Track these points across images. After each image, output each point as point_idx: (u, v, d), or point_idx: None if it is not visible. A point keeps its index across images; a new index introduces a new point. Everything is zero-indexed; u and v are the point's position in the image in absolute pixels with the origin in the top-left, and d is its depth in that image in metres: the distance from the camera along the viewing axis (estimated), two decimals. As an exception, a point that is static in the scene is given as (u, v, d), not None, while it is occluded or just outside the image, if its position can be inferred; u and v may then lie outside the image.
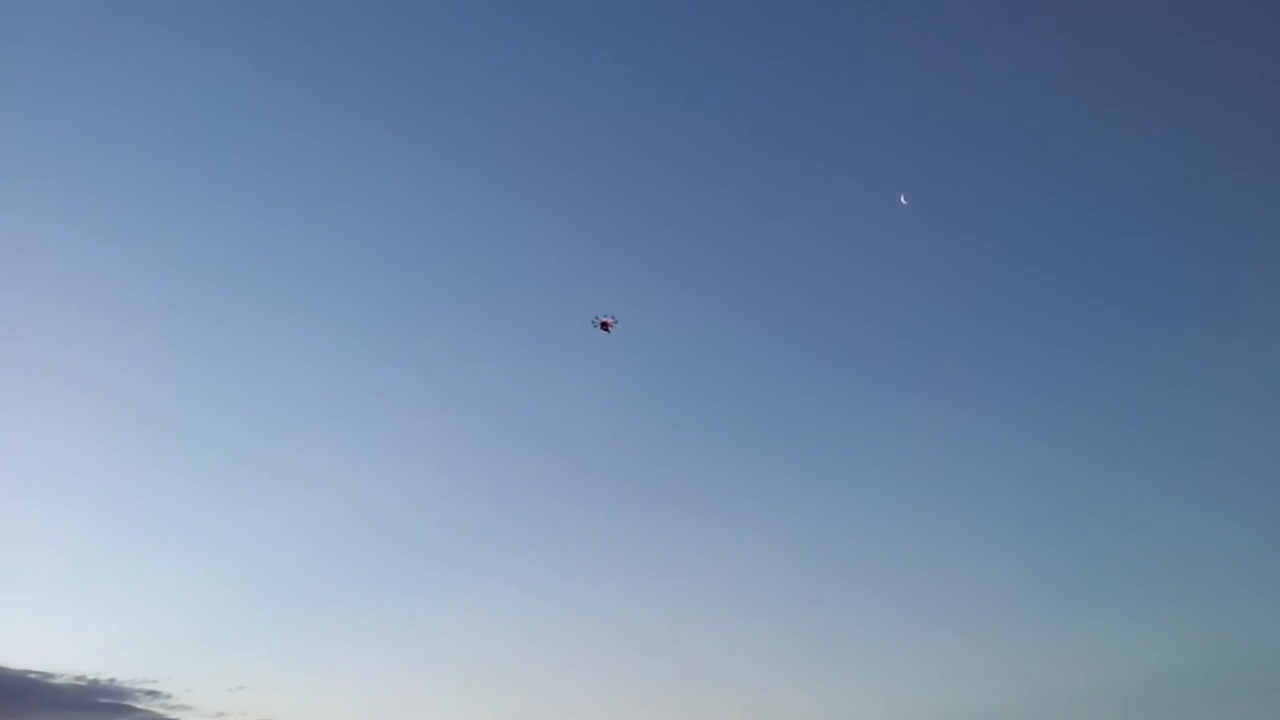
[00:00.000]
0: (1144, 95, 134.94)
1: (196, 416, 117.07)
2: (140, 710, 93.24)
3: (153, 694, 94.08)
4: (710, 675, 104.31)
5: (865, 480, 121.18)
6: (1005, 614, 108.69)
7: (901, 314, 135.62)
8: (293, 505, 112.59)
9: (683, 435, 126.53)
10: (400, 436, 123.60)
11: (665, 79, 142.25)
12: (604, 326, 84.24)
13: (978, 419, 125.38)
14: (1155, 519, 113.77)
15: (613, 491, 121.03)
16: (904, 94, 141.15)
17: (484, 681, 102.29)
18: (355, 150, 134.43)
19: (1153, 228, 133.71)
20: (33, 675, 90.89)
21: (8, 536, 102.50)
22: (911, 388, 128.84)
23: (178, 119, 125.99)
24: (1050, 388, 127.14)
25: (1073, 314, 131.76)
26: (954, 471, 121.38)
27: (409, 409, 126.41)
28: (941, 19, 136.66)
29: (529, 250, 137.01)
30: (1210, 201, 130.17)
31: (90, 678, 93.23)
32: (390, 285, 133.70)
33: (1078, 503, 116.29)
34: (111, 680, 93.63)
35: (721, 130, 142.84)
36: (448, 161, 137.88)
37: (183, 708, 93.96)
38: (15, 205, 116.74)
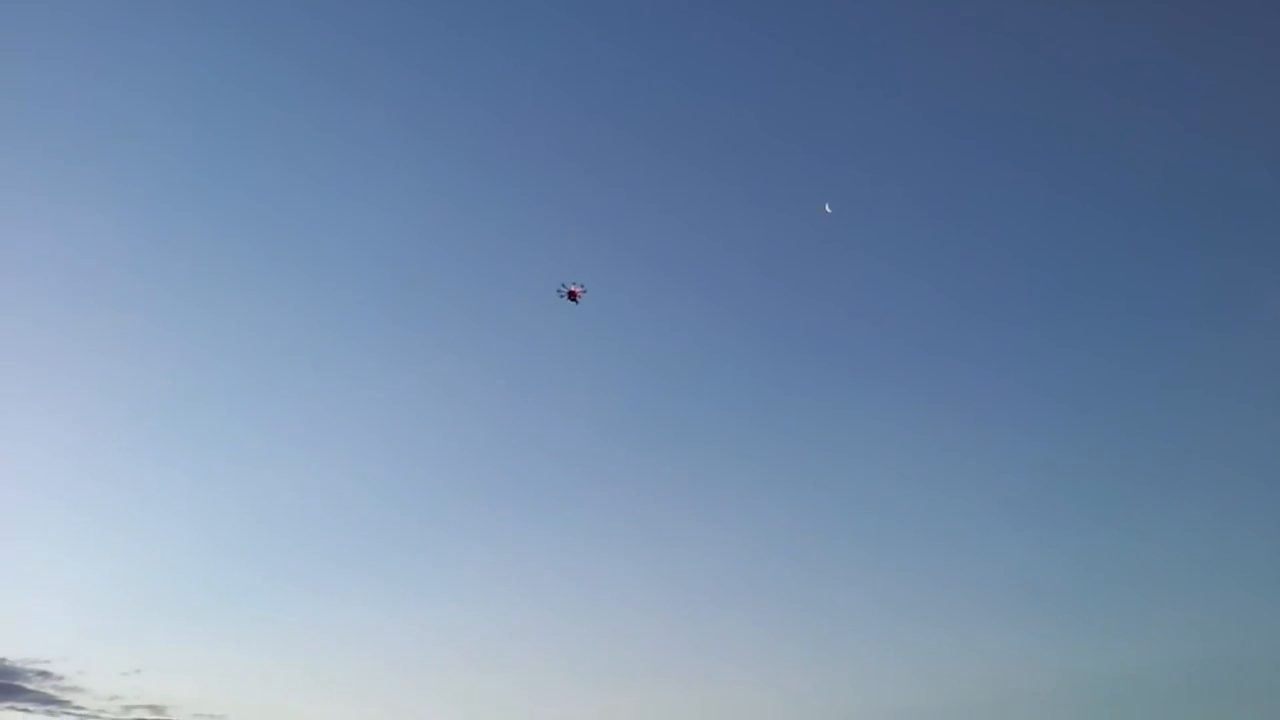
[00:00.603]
0: (1150, 85, 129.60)
1: (103, 395, 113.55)
2: (31, 691, 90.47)
3: (44, 675, 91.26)
4: (696, 670, 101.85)
5: (858, 477, 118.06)
6: (996, 610, 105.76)
7: (899, 309, 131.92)
8: (204, 489, 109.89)
9: (670, 429, 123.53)
10: (335, 424, 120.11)
11: (666, 69, 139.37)
12: (571, 296, 78.32)
13: (972, 415, 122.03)
14: (1149, 516, 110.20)
15: (596, 485, 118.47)
16: (905, 85, 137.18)
17: (386, 676, 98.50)
18: (351, 139, 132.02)
19: (1159, 220, 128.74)
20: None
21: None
22: (906, 382, 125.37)
23: (180, 105, 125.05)
24: (1048, 384, 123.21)
25: (1071, 309, 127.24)
26: (945, 467, 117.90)
27: (355, 395, 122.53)
28: (941, 9, 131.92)
29: (517, 240, 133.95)
30: (1220, 193, 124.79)
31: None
32: (373, 273, 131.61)
33: (1071, 500, 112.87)
34: (1, 660, 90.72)
35: (721, 122, 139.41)
36: (441, 151, 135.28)
37: (75, 689, 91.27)
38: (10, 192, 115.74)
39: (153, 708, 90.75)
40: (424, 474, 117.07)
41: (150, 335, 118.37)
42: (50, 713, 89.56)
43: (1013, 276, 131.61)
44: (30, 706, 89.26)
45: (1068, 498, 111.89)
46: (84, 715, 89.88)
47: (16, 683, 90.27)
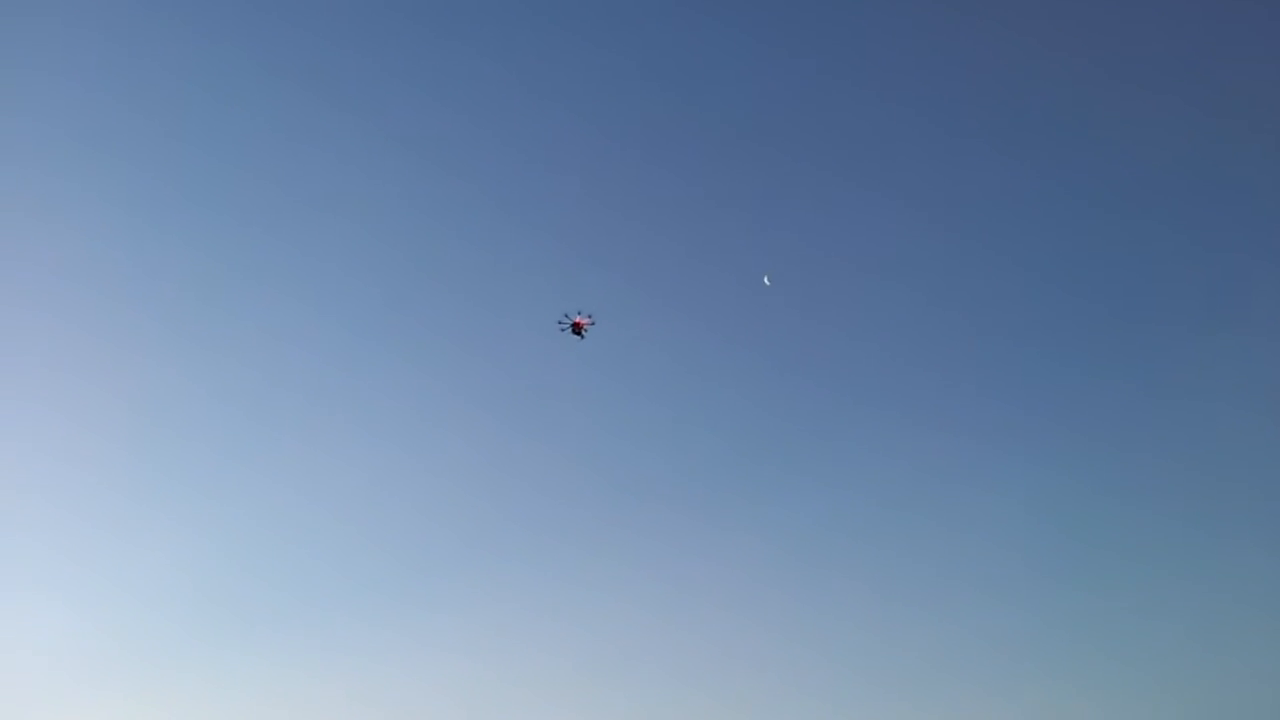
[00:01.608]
0: (1147, 74, 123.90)
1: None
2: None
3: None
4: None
5: (855, 515, 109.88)
6: (1019, 660, 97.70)
7: (884, 315, 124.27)
8: (176, 531, 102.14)
9: (659, 457, 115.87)
10: (323, 460, 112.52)
11: (657, 75, 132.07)
12: (575, 329, 70.93)
13: (966, 431, 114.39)
14: (1185, 548, 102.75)
15: (565, 521, 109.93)
16: (894, 87, 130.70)
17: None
18: (342, 150, 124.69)
19: (1153, 217, 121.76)
20: None
21: None
22: (895, 393, 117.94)
23: (169, 116, 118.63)
24: (1060, 398, 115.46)
25: (1084, 322, 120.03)
26: (955, 500, 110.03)
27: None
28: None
29: (517, 256, 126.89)
30: (1218, 188, 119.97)
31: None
32: (360, 293, 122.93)
33: (1097, 532, 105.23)
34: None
35: (707, 132, 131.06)
36: (429, 166, 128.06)
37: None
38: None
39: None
40: (415, 517, 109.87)
41: (132, 358, 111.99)
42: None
43: (1003, 280, 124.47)
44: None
45: (1101, 532, 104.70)
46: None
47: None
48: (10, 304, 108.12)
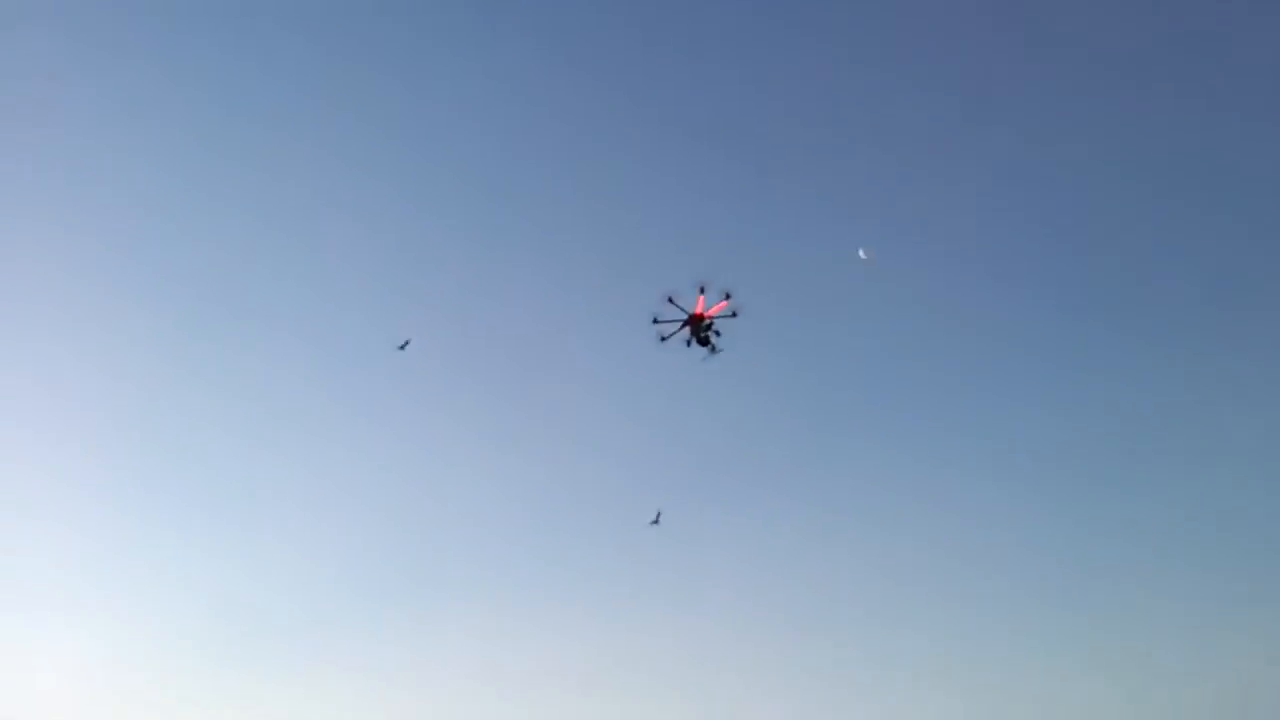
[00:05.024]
0: (1141, 76, 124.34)
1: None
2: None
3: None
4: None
5: (855, 513, 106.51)
6: (1023, 640, 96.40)
7: (890, 321, 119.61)
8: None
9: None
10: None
11: (675, 66, 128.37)
12: (695, 328, 47.82)
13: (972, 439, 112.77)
14: (1186, 546, 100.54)
15: (572, 522, 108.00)
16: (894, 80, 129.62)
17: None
18: (352, 142, 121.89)
19: (1153, 208, 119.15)
20: None
21: None
22: (899, 398, 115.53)
23: (170, 117, 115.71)
24: (1060, 396, 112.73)
25: (1080, 320, 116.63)
26: (957, 497, 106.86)
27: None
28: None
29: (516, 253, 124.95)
30: (1215, 187, 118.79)
31: None
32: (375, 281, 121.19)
33: (1096, 529, 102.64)
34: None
35: (714, 122, 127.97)
36: (433, 167, 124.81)
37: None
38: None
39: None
40: (423, 524, 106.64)
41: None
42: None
43: (1000, 278, 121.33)
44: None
45: (1104, 519, 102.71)
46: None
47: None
48: (14, 305, 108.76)
